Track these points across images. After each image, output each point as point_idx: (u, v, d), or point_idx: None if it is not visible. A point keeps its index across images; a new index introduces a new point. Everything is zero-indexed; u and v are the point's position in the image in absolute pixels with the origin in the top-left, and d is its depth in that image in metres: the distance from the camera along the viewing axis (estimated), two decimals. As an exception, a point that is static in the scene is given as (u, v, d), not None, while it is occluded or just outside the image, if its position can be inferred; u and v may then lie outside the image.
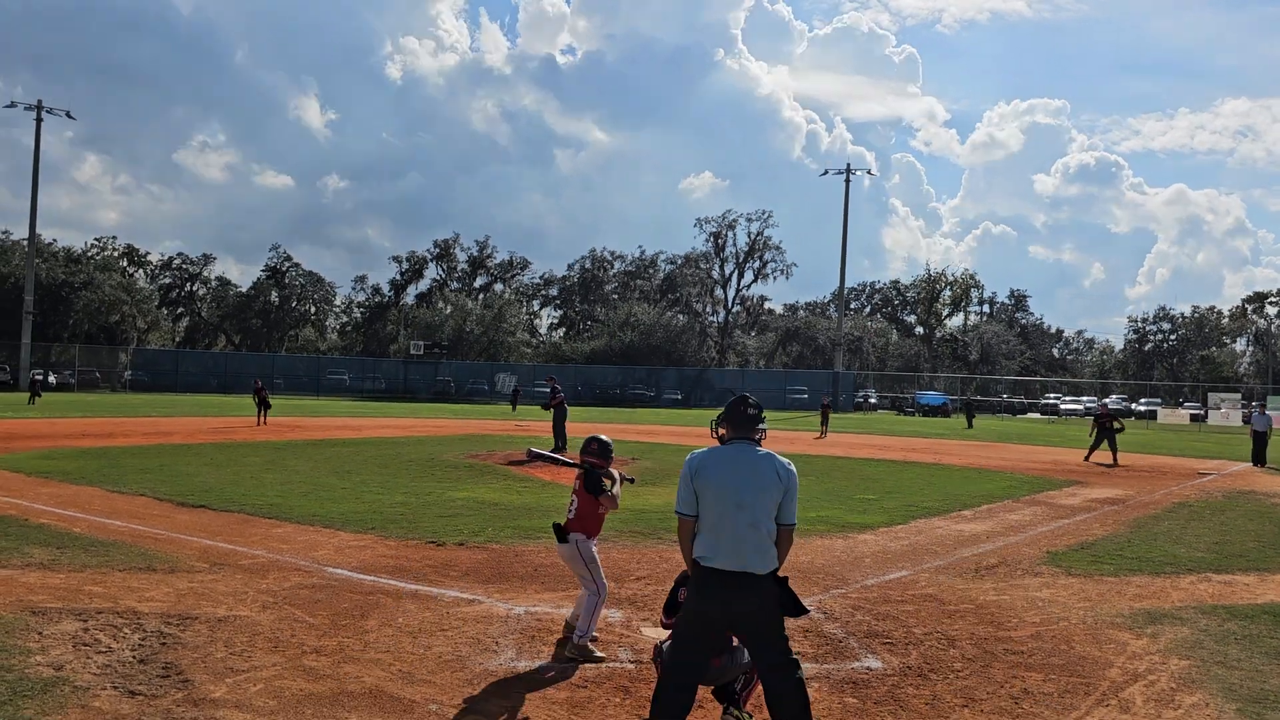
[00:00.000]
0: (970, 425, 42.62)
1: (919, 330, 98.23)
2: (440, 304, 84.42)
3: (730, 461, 4.36)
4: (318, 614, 6.66)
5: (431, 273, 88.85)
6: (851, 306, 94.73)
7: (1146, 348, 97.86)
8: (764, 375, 75.30)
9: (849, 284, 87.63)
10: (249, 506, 11.46)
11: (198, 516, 10.76)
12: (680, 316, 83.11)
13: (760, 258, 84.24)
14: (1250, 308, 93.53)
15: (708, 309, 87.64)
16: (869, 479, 17.13)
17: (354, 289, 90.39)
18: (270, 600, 6.99)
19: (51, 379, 54.08)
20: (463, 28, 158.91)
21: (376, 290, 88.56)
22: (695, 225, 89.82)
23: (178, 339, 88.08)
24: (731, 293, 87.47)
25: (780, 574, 4.34)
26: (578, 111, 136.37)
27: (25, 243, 61.95)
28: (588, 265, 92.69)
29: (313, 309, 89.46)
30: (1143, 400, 69.14)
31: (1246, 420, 46.42)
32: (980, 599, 7.80)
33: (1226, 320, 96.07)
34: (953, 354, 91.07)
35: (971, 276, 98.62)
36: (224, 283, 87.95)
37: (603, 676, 5.60)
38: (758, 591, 4.24)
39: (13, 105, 59.46)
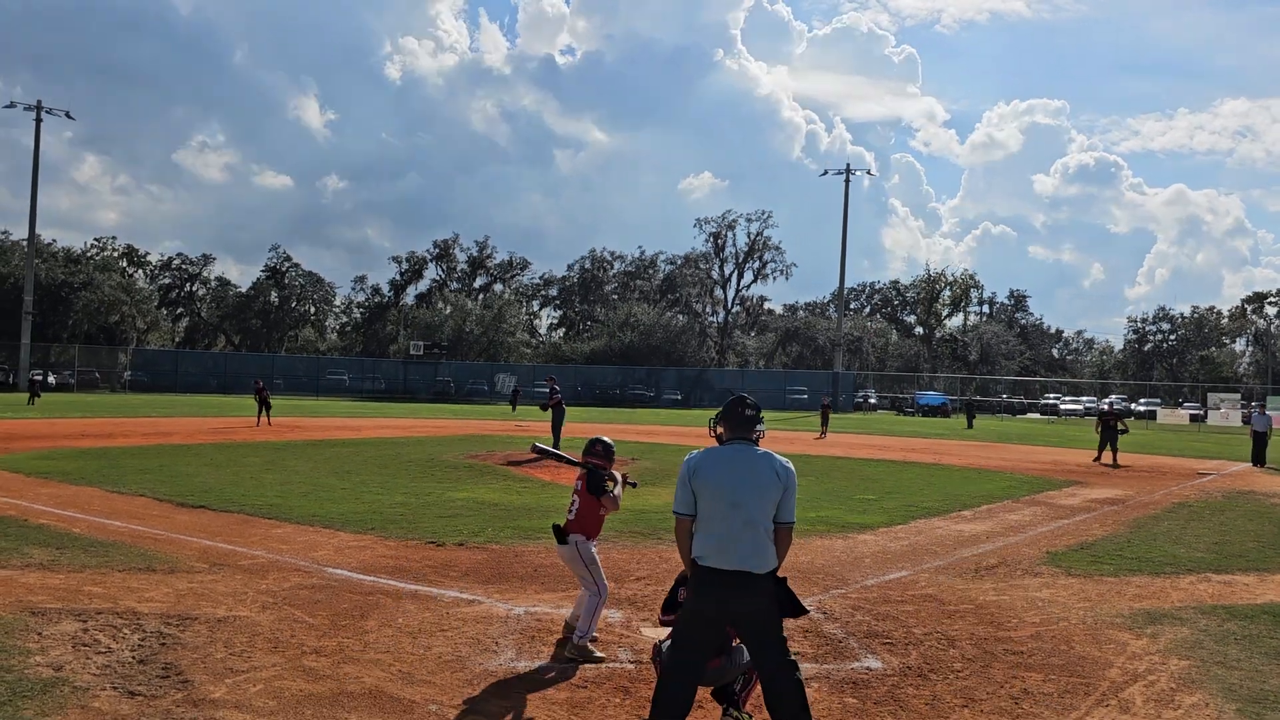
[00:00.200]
0: (970, 425, 42.63)
1: (919, 330, 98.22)
2: (440, 304, 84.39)
3: (728, 461, 4.37)
4: (317, 614, 6.66)
5: (431, 273, 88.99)
6: (851, 307, 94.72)
7: (1146, 348, 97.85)
8: (764, 375, 75.28)
9: (849, 284, 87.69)
10: (249, 507, 11.46)
11: (197, 517, 10.76)
12: (680, 317, 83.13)
13: (760, 258, 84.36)
14: (1250, 308, 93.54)
15: (707, 309, 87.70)
16: (869, 479, 17.13)
17: (353, 289, 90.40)
18: (270, 601, 6.99)
19: (51, 379, 54.07)
20: (462, 28, 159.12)
21: (376, 290, 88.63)
22: (695, 225, 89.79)
23: (177, 339, 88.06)
24: (731, 293, 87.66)
25: (780, 574, 4.35)
26: (577, 112, 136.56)
27: (25, 243, 61.90)
28: (587, 265, 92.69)
29: (312, 309, 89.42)
30: (1142, 400, 69.15)
31: (1246, 420, 46.47)
32: (980, 599, 7.80)
33: (1226, 320, 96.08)
34: (952, 354, 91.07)
35: (971, 277, 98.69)
36: (223, 283, 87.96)
37: (602, 677, 5.60)
38: (755, 591, 4.24)
39: (12, 105, 59.32)
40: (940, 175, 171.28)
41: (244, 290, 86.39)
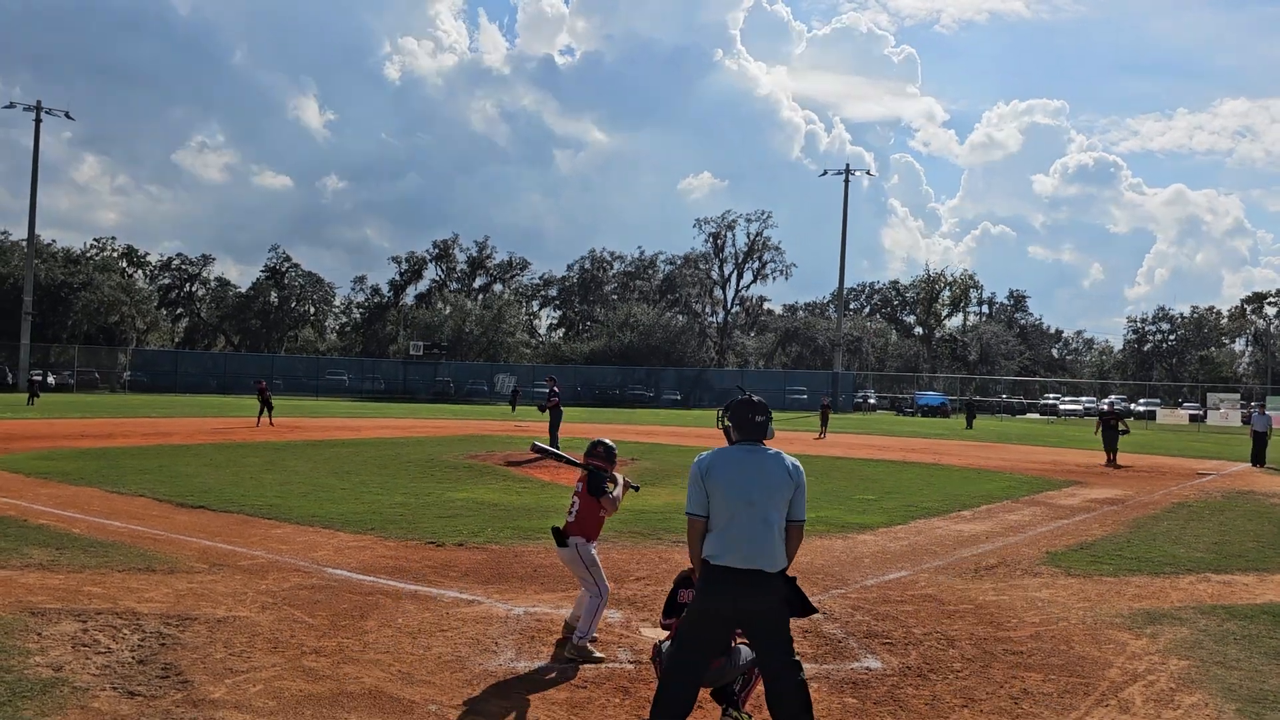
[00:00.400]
0: (970, 425, 42.63)
1: (918, 330, 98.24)
2: (439, 304, 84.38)
3: (739, 461, 4.39)
4: (317, 614, 6.66)
5: (431, 273, 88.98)
6: (851, 307, 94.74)
7: (1145, 348, 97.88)
8: (763, 376, 75.24)
9: (848, 284, 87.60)
10: (248, 507, 11.46)
11: (197, 517, 10.76)
12: (679, 317, 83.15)
13: (759, 258, 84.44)
14: (1249, 308, 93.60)
15: (707, 309, 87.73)
16: (868, 479, 17.13)
17: (353, 289, 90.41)
18: (270, 601, 6.99)
19: (50, 380, 54.01)
20: (461, 28, 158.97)
21: (376, 291, 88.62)
22: (694, 226, 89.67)
23: (177, 339, 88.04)
24: (731, 293, 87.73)
25: (789, 574, 4.36)
26: (577, 112, 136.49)
27: (24, 243, 61.89)
28: (587, 266, 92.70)
29: (312, 309, 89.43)
30: (1142, 400, 69.13)
31: (1246, 420, 46.50)
32: (980, 599, 7.81)
33: (1225, 320, 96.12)
34: (952, 354, 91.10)
35: (970, 277, 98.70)
36: (223, 283, 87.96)
37: (602, 677, 5.60)
38: (768, 590, 4.26)
39: (12, 106, 59.28)
40: (940, 175, 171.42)
41: (243, 290, 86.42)
